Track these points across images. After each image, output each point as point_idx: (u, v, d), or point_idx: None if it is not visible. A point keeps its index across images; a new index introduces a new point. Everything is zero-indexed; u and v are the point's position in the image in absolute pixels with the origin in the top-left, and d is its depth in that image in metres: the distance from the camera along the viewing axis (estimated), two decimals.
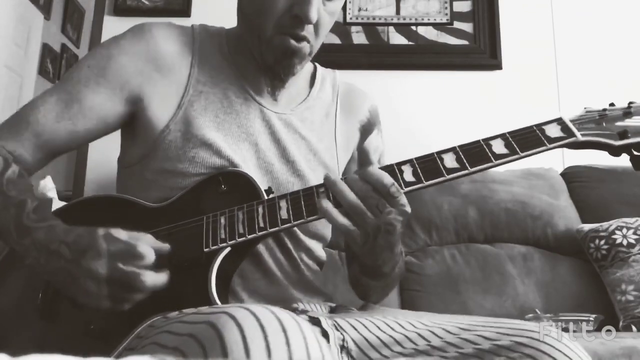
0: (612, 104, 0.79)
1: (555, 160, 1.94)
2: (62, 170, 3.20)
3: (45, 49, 3.63)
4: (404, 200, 0.71)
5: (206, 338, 0.49)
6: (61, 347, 0.62)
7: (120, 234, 0.69)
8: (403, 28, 2.13)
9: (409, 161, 0.75)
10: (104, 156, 1.82)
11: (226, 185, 0.81)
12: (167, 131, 0.85)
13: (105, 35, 2.10)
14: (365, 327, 0.71)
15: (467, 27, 2.13)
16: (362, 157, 1.02)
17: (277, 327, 0.48)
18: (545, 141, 0.73)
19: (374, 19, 2.14)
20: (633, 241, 1.55)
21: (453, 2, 2.14)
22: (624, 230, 1.58)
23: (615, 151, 0.75)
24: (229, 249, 0.75)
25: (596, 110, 0.78)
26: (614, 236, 1.58)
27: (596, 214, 1.74)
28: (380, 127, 1.05)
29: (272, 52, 0.84)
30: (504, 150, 0.73)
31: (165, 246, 0.73)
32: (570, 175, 1.89)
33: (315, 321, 0.69)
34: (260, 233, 0.75)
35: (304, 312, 0.80)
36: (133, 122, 0.89)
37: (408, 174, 0.74)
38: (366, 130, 1.02)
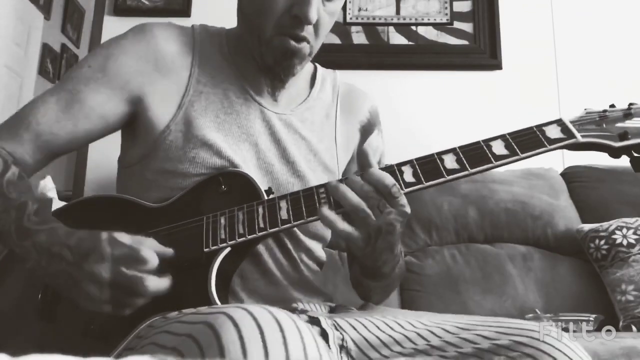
0: (612, 105, 0.79)
1: (555, 160, 1.94)
2: (62, 170, 3.20)
3: (45, 49, 3.63)
4: (404, 200, 0.71)
5: (204, 338, 0.49)
6: (61, 347, 0.62)
7: (124, 237, 0.69)
8: (403, 28, 2.13)
9: (409, 162, 0.75)
10: (104, 156, 1.82)
11: (226, 185, 0.81)
12: (167, 131, 0.85)
13: (105, 35, 2.10)
14: (365, 327, 0.71)
15: (467, 27, 2.12)
16: (362, 157, 1.02)
17: (275, 327, 0.48)
18: (545, 142, 0.73)
19: (374, 19, 2.14)
20: (633, 241, 1.55)
21: (453, 2, 2.14)
22: (624, 230, 1.58)
23: (615, 153, 0.75)
24: (228, 249, 0.75)
25: (596, 112, 0.78)
26: (614, 236, 1.58)
27: (596, 214, 1.74)
28: (381, 127, 1.05)
29: (272, 52, 0.84)
30: (504, 151, 0.74)
31: (169, 251, 0.72)
32: (570, 175, 1.89)
33: (314, 321, 0.69)
34: (260, 233, 0.75)
35: (303, 312, 0.80)
36: (133, 122, 0.89)
37: (408, 175, 0.74)
38: (366, 130, 1.02)
